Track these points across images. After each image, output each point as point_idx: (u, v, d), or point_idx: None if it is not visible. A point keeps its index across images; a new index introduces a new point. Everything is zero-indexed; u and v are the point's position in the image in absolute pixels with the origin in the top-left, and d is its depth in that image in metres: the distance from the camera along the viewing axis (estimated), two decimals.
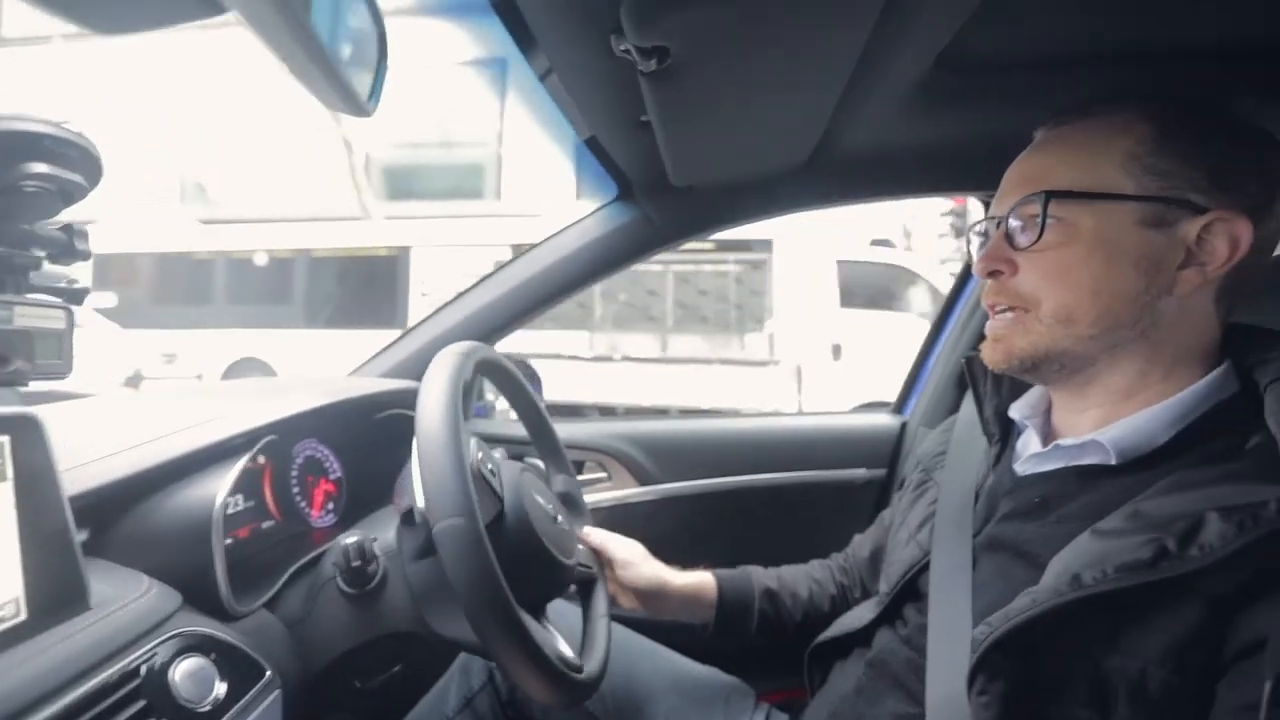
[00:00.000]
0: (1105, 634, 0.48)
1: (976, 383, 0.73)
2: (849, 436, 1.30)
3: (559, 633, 0.71)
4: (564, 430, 1.33)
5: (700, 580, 0.88)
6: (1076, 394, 0.61)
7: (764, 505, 1.25)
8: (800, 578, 0.90)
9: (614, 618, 0.96)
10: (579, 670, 0.69)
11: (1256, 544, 0.43)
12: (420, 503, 0.61)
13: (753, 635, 0.88)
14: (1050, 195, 0.55)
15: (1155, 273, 0.54)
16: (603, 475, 1.31)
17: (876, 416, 1.34)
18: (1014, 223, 0.59)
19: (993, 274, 0.60)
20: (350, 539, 0.68)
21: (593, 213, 1.09)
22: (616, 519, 1.23)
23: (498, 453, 1.10)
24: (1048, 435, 0.65)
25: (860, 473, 1.25)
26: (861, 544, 0.91)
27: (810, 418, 1.35)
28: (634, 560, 0.87)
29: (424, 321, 1.12)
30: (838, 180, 1.01)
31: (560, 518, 0.81)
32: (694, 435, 1.34)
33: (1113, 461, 0.56)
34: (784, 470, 1.26)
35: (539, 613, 0.72)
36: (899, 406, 1.35)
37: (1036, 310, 0.58)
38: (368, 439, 0.95)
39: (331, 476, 0.93)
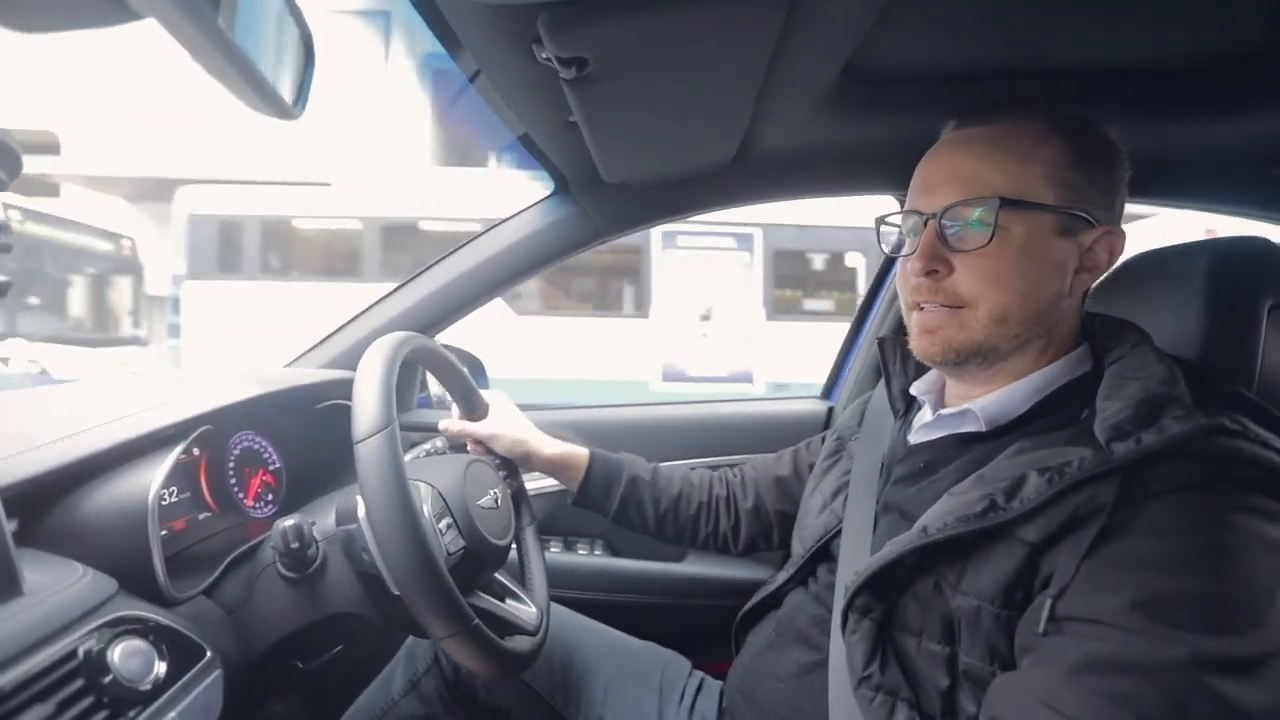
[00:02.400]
0: (950, 577, 0.55)
1: (887, 363, 0.80)
2: (777, 422, 1.37)
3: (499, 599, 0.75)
4: None
5: (570, 452, 0.95)
6: (979, 381, 0.67)
7: None
8: (674, 478, 0.97)
9: (555, 598, 1.01)
10: (531, 630, 0.73)
11: (1060, 494, 0.51)
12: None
13: (613, 515, 0.96)
14: (1004, 202, 0.58)
15: (1064, 277, 0.61)
16: None
17: (804, 402, 1.42)
18: (948, 224, 0.61)
19: (930, 272, 0.62)
20: (288, 522, 0.70)
21: (530, 206, 1.12)
22: (551, 507, 1.28)
23: (440, 441, 1.13)
24: (939, 409, 0.71)
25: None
26: (771, 465, 0.97)
27: (740, 404, 1.41)
28: (499, 433, 0.93)
29: (364, 313, 1.13)
30: (761, 179, 1.06)
31: (500, 501, 0.84)
32: (628, 422, 1.38)
33: (983, 428, 0.63)
34: (715, 455, 1.32)
35: (474, 587, 0.76)
36: (826, 392, 1.43)
37: (973, 309, 0.61)
38: (307, 430, 0.97)
39: (270, 468, 0.94)
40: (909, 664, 0.58)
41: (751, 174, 1.04)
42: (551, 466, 0.96)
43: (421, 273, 1.13)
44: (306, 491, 0.91)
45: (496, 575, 0.86)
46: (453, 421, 0.95)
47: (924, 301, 0.64)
